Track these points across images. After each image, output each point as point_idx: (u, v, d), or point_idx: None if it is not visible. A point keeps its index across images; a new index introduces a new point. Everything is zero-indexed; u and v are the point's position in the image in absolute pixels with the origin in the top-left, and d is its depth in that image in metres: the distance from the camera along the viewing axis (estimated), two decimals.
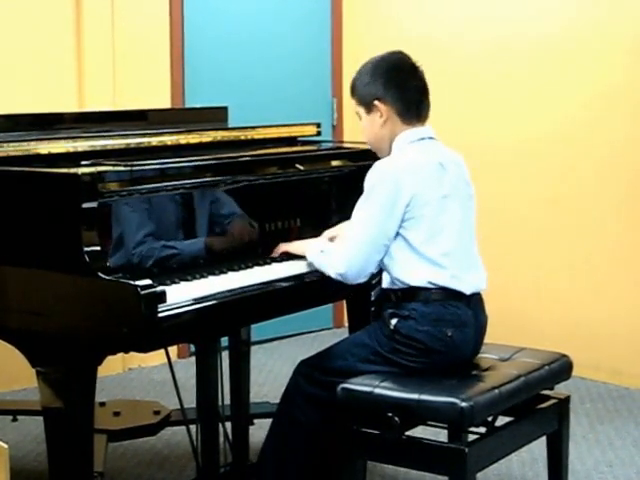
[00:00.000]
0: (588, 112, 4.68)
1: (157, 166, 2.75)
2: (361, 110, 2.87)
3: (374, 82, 2.81)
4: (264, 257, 2.90)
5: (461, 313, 2.74)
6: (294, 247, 2.91)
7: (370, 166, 2.81)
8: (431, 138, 2.84)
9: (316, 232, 3.06)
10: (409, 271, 2.73)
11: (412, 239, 2.72)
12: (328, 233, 3.02)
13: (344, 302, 3.73)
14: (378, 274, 2.86)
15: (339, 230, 3.01)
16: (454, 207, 2.78)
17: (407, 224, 2.72)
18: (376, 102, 2.80)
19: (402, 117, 2.81)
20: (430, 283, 2.72)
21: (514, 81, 4.94)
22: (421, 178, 2.73)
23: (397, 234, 2.73)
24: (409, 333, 2.72)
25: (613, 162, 4.62)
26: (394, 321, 2.74)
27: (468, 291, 2.76)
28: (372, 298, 3.10)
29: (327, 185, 3.29)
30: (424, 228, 2.72)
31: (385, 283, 2.80)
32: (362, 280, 2.75)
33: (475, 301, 2.79)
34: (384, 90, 2.80)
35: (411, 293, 2.73)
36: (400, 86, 2.81)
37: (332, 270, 2.73)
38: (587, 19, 4.67)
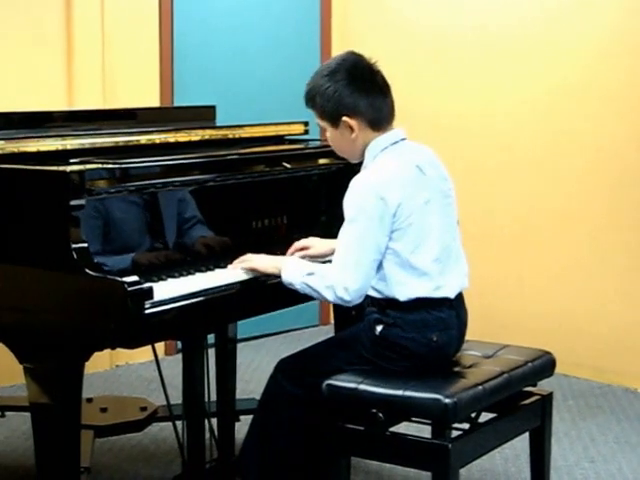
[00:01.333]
0: (566, 112, 4.72)
1: (145, 164, 2.76)
2: (325, 124, 2.77)
3: (339, 96, 2.68)
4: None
5: (445, 317, 2.73)
6: (262, 264, 2.75)
7: (356, 165, 2.82)
8: (403, 139, 2.78)
9: (303, 230, 3.09)
10: (396, 287, 2.69)
11: (401, 250, 2.67)
12: (299, 244, 2.95)
13: None
14: None
15: (309, 242, 2.96)
16: (434, 211, 2.73)
17: (395, 235, 2.66)
18: (345, 118, 2.69)
19: (373, 126, 2.72)
20: (417, 299, 2.69)
21: (499, 79, 4.97)
22: (403, 187, 2.66)
23: (386, 247, 2.67)
24: (395, 340, 2.72)
25: (595, 160, 4.66)
26: (379, 328, 2.73)
27: (453, 294, 2.75)
28: None
29: (314, 183, 3.31)
30: (412, 237, 2.67)
31: (369, 290, 2.75)
32: (361, 300, 2.69)
33: (458, 301, 2.79)
34: (352, 104, 2.68)
35: (396, 303, 2.71)
36: (367, 96, 2.69)
37: (332, 297, 2.64)
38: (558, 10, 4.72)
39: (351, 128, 2.72)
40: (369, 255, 2.64)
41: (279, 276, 2.71)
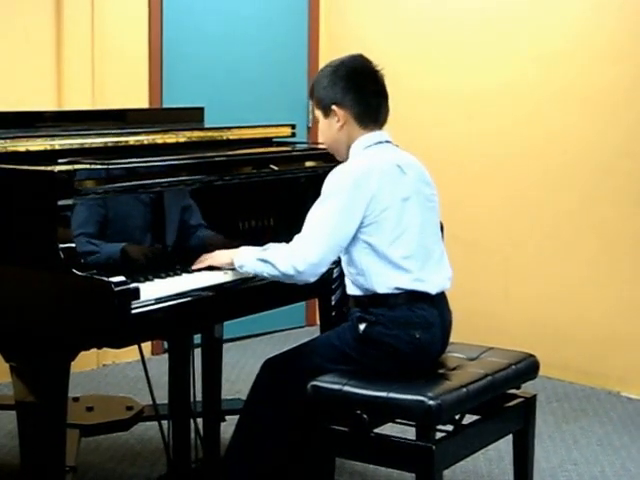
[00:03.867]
0: (553, 114, 4.75)
1: (133, 165, 2.78)
2: (319, 113, 2.86)
3: (332, 86, 2.80)
4: None
5: (427, 314, 2.76)
6: (217, 257, 2.78)
7: None
8: (388, 142, 2.84)
9: (290, 231, 3.10)
10: (375, 278, 2.73)
11: (377, 243, 2.71)
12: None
13: (316, 300, 3.77)
14: (337, 279, 2.87)
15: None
16: (414, 209, 2.77)
17: (370, 229, 2.71)
18: (334, 107, 2.80)
19: (360, 122, 2.81)
20: (396, 289, 2.73)
21: (483, 84, 5.00)
22: (380, 180, 2.71)
23: (361, 241, 2.71)
24: (378, 338, 2.74)
25: (578, 165, 4.68)
26: (362, 326, 2.76)
27: (433, 291, 2.78)
28: (332, 303, 3.11)
29: (301, 185, 3.32)
30: (388, 231, 2.71)
31: (350, 290, 2.80)
32: (312, 280, 2.70)
33: (440, 300, 2.82)
34: (342, 94, 2.79)
35: (377, 299, 2.74)
36: (359, 91, 2.80)
37: (285, 266, 2.64)
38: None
39: (338, 118, 2.80)
40: (333, 236, 2.68)
41: (232, 265, 2.74)
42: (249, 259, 2.72)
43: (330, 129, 2.84)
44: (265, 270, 2.69)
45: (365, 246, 2.73)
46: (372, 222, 2.71)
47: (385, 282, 2.73)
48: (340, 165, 2.78)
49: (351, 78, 2.81)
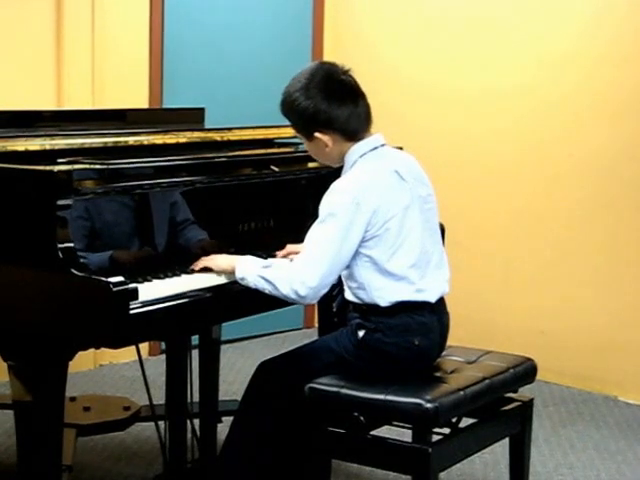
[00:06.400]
0: (557, 117, 4.76)
1: (133, 165, 2.78)
2: (300, 136, 2.78)
3: (310, 114, 2.69)
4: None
5: (427, 320, 2.74)
6: (216, 263, 2.75)
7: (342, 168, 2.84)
8: (383, 145, 2.77)
9: (290, 234, 3.10)
10: (376, 293, 2.70)
11: (377, 256, 2.68)
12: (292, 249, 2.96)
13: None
14: (338, 285, 2.83)
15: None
16: (414, 216, 2.73)
17: (371, 243, 2.67)
18: (317, 134, 2.71)
19: (348, 138, 2.72)
20: (397, 302, 2.71)
21: (483, 87, 5.00)
22: (381, 193, 2.67)
23: (361, 255, 2.68)
24: (376, 345, 2.73)
25: (581, 170, 4.68)
26: (361, 333, 2.74)
27: (433, 299, 2.76)
28: (334, 309, 3.10)
29: (302, 187, 3.32)
30: (389, 244, 2.68)
31: (349, 297, 2.77)
32: (315, 301, 2.69)
33: (439, 305, 2.80)
34: (324, 120, 2.69)
35: (377, 309, 2.72)
36: (338, 108, 2.69)
37: (287, 290, 2.61)
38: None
39: (324, 143, 2.73)
40: (334, 259, 2.63)
41: (233, 273, 2.71)
42: (251, 273, 2.67)
43: (317, 149, 2.78)
44: (267, 288, 2.66)
45: (366, 259, 2.69)
46: (374, 236, 2.67)
47: (386, 296, 2.71)
48: (337, 182, 2.71)
49: (327, 99, 2.69)
